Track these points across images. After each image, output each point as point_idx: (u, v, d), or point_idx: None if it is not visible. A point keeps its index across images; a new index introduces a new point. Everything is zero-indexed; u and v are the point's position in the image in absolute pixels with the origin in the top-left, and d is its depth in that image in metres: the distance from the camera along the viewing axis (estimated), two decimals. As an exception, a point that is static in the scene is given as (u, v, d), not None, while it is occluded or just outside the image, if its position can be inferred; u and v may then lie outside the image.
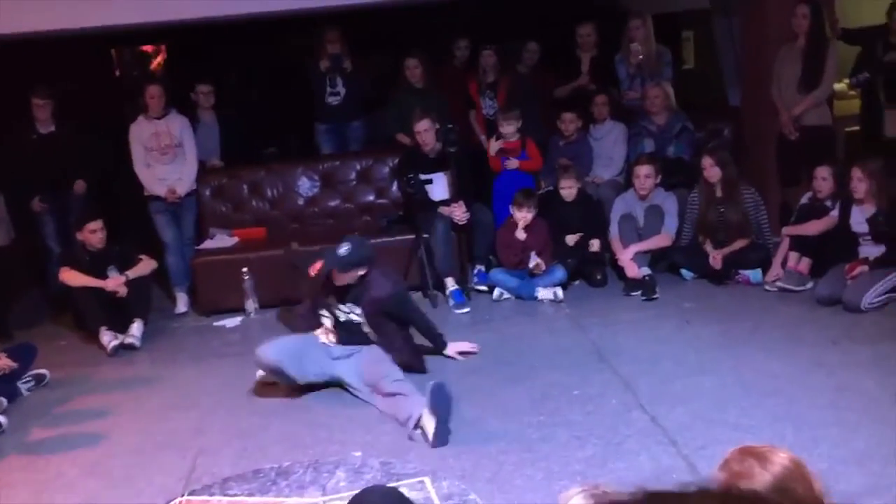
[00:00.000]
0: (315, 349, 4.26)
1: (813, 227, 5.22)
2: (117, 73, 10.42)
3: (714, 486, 1.49)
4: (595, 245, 5.77)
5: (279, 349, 4.15)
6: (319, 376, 4.22)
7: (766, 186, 6.17)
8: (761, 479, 1.64)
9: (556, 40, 7.07)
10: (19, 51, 6.40)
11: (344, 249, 4.17)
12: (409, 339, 4.44)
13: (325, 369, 4.22)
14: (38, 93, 5.93)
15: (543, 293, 5.49)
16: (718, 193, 5.51)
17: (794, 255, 5.24)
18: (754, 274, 5.40)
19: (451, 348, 4.57)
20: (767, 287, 5.28)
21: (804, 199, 5.44)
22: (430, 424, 3.59)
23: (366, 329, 4.30)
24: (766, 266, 5.40)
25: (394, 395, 3.89)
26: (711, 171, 5.49)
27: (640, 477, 3.18)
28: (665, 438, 3.48)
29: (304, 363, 4.16)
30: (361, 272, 4.25)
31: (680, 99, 6.59)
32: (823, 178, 5.25)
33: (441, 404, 3.62)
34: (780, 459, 1.68)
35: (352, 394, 4.18)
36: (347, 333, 4.33)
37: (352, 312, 4.32)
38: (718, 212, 5.51)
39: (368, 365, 4.11)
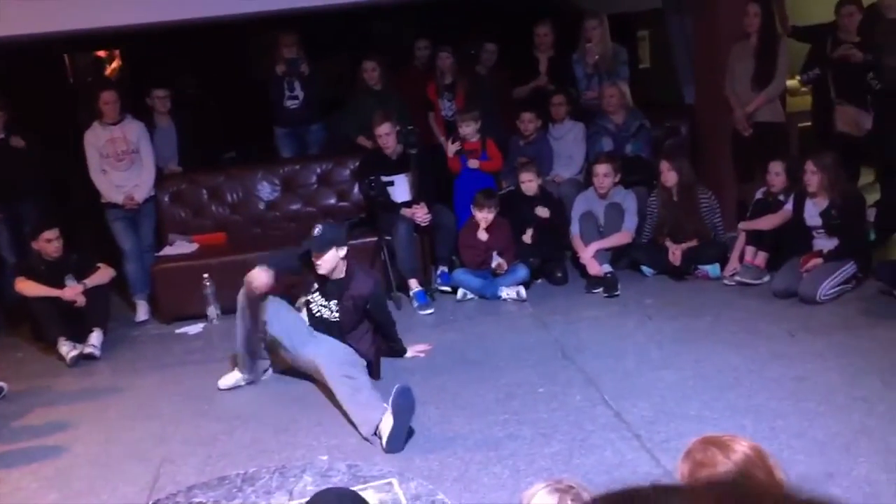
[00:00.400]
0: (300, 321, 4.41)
1: (767, 222, 5.32)
2: (71, 79, 10.23)
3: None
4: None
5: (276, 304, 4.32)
6: (297, 344, 4.27)
7: (722, 183, 6.28)
8: (724, 467, 1.67)
9: (514, 40, 7.12)
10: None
11: (317, 230, 4.26)
12: (376, 342, 4.45)
13: (304, 339, 4.28)
14: None
15: (507, 292, 5.52)
16: (675, 197, 5.60)
17: (750, 250, 5.34)
18: (713, 269, 5.49)
19: (411, 350, 4.70)
20: (726, 281, 5.37)
21: (758, 194, 5.54)
22: (386, 428, 3.59)
23: (337, 325, 4.34)
24: (723, 261, 5.49)
25: (351, 395, 3.88)
26: (668, 175, 5.57)
27: (605, 471, 3.23)
28: (629, 433, 3.53)
29: (291, 328, 4.31)
30: (340, 253, 4.30)
31: (637, 97, 6.67)
32: (776, 173, 5.35)
33: (403, 409, 3.61)
34: (742, 447, 1.72)
35: (312, 380, 4.26)
36: (321, 328, 4.37)
37: (327, 307, 4.35)
38: (675, 214, 5.59)
39: (337, 354, 4.15)
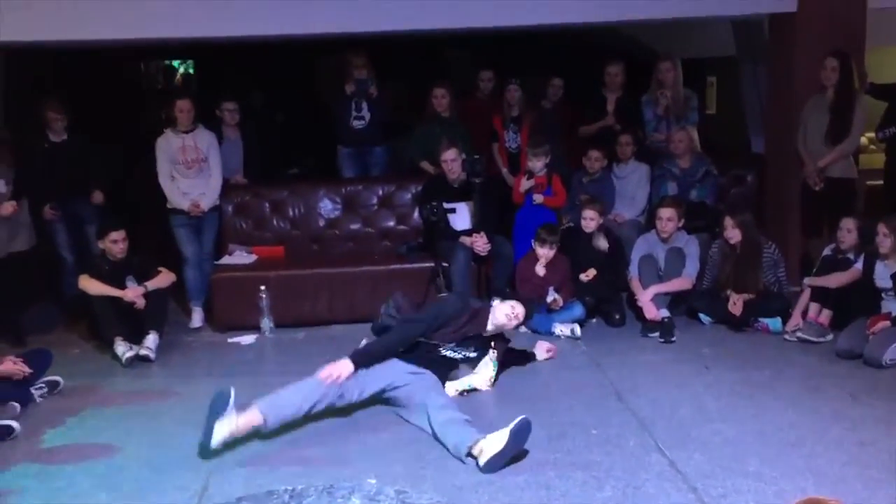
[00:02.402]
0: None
1: (836, 280, 5.20)
2: (142, 85, 10.51)
3: None
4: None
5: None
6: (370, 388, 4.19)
7: (788, 236, 6.18)
8: None
9: (580, 77, 7.13)
10: (39, 56, 6.46)
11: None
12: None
13: (393, 379, 4.22)
14: (52, 105, 5.97)
15: (561, 329, 5.47)
16: (738, 251, 5.51)
17: (814, 307, 5.22)
18: (773, 322, 5.38)
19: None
20: (787, 336, 5.25)
21: (827, 251, 5.43)
22: (491, 450, 3.58)
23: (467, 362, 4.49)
24: (785, 315, 5.38)
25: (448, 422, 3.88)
26: (732, 231, 5.50)
27: (660, 522, 3.15)
28: (685, 485, 3.44)
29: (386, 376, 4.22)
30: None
31: (703, 143, 6.62)
32: (848, 230, 5.24)
33: (519, 438, 3.64)
34: None
35: (397, 414, 4.19)
36: (436, 366, 4.35)
37: (465, 352, 4.46)
38: (737, 267, 5.51)
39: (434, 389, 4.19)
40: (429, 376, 4.27)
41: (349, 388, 4.10)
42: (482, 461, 3.59)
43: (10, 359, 4.50)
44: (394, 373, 4.23)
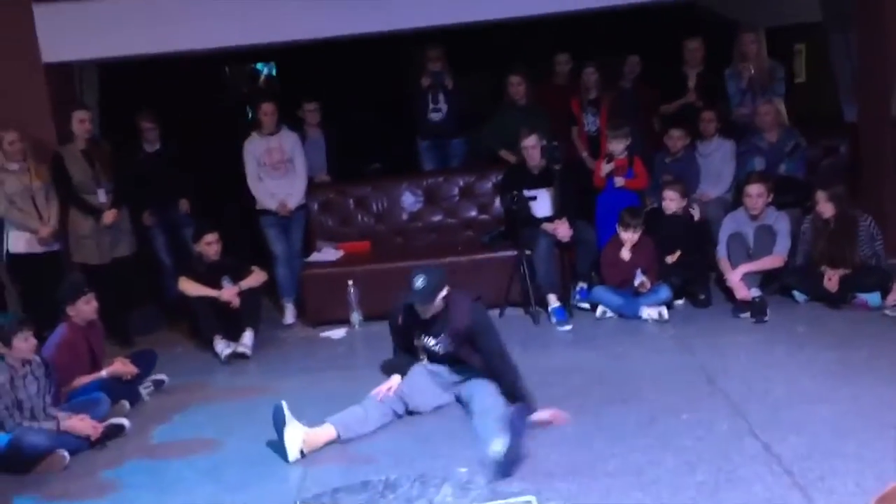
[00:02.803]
0: (425, 380, 4.29)
1: (938, 250, 4.98)
2: (227, 89, 10.85)
3: None
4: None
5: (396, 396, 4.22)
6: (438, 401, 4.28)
7: (884, 206, 5.93)
8: None
9: (658, 54, 6.99)
10: (129, 66, 6.76)
11: (419, 282, 4.06)
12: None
13: (441, 398, 4.28)
14: (145, 117, 6.25)
15: (648, 312, 5.42)
16: (831, 226, 5.33)
17: (918, 279, 5.01)
18: (873, 298, 5.18)
19: (537, 415, 3.93)
20: (887, 311, 5.05)
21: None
22: (498, 449, 3.51)
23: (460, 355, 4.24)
24: (885, 290, 5.17)
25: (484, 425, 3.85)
26: (825, 206, 5.32)
27: (755, 507, 3.10)
28: (779, 468, 3.37)
29: (423, 396, 4.26)
30: (443, 294, 4.13)
31: (792, 113, 6.41)
32: (952, 197, 5.00)
33: (516, 430, 3.55)
34: None
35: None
36: (448, 363, 4.30)
37: (439, 344, 4.25)
38: (831, 243, 5.34)
39: (479, 394, 4.11)
40: (474, 382, 4.21)
41: (410, 399, 4.21)
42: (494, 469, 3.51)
43: (119, 359, 4.77)
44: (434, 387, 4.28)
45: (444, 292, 4.14)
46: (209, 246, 5.59)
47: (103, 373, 4.64)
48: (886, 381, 4.12)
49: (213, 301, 5.50)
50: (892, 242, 5.74)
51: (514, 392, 4.00)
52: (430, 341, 4.28)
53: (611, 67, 7.00)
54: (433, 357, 4.32)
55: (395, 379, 4.29)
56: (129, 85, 7.28)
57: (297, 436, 3.88)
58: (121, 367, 4.70)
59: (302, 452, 3.88)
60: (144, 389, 4.87)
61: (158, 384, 4.98)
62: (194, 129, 7.88)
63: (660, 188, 6.01)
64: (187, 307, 5.62)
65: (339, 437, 4.01)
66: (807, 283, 5.41)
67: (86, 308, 4.65)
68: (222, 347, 5.37)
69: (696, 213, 5.78)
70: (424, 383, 4.29)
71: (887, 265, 5.39)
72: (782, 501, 3.14)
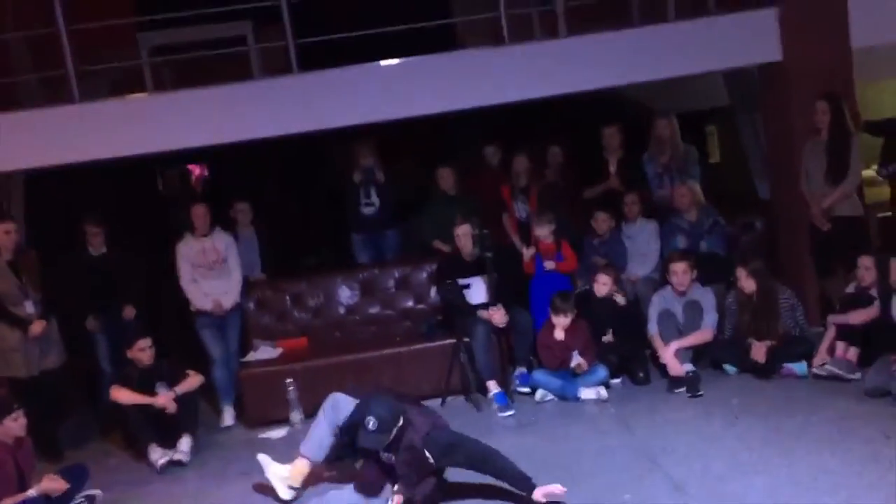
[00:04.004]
0: None
1: (857, 317, 5.21)
2: (161, 190, 10.80)
3: None
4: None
5: None
6: None
7: (804, 277, 6.21)
8: None
9: (583, 141, 7.28)
10: (65, 175, 6.72)
11: (372, 425, 3.90)
12: (435, 487, 4.09)
13: None
14: (91, 220, 6.19)
15: (587, 393, 5.49)
16: (755, 301, 5.56)
17: (841, 345, 5.22)
18: (799, 367, 5.37)
19: (540, 492, 3.90)
20: (815, 370, 5.24)
21: (850, 288, 5.46)
22: None
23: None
24: (810, 359, 5.37)
25: None
26: (746, 282, 5.56)
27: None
28: (724, 543, 3.43)
29: None
30: (401, 423, 3.98)
31: (708, 192, 6.71)
32: (867, 268, 5.27)
33: None
34: None
35: None
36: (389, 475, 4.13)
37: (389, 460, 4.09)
38: (756, 317, 5.55)
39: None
40: None
41: None
42: None
43: (47, 476, 4.57)
44: None
45: (399, 423, 3.97)
46: (142, 352, 5.48)
47: (32, 492, 4.43)
48: (819, 446, 4.26)
49: (147, 408, 5.36)
50: (813, 311, 5.99)
51: (522, 486, 3.93)
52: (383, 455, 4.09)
53: (537, 156, 7.25)
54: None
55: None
56: (58, 192, 7.22)
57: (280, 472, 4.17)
58: (50, 484, 4.49)
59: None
60: (76, 506, 4.68)
61: (91, 499, 4.76)
62: (127, 233, 7.81)
63: (590, 270, 6.18)
64: (121, 416, 5.46)
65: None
66: (736, 356, 5.58)
67: (13, 425, 4.47)
68: (157, 456, 5.21)
69: (620, 300, 5.89)
70: None
71: (810, 334, 5.61)
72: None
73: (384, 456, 4.08)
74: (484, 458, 3.98)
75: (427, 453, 3.94)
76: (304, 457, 4.46)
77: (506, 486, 4.01)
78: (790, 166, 6.21)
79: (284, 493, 4.38)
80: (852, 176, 5.87)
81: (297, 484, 4.41)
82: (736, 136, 7.76)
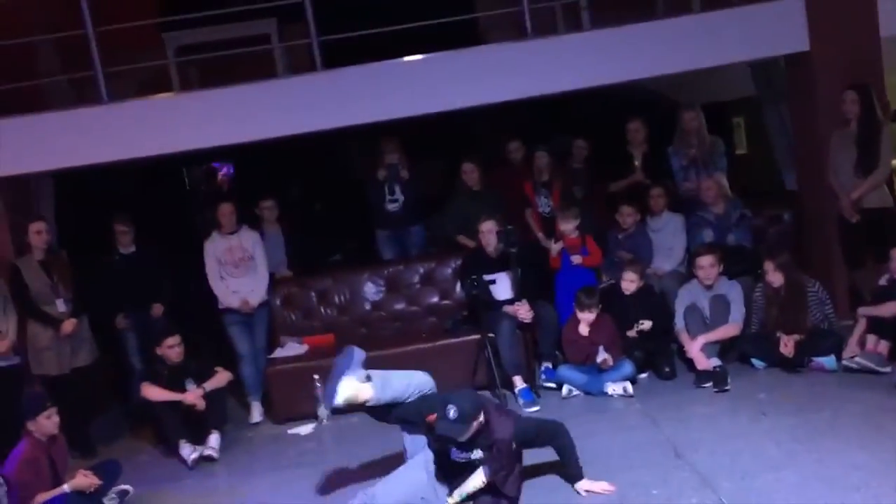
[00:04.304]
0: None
1: (888, 309, 5.14)
2: (188, 190, 10.92)
3: None
4: (645, 325, 5.74)
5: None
6: None
7: (831, 270, 6.14)
8: None
9: (606, 136, 7.24)
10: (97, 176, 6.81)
11: (452, 412, 3.84)
12: (520, 475, 4.09)
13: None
14: (120, 220, 6.27)
15: (613, 388, 5.48)
16: (782, 294, 5.50)
17: (871, 338, 5.16)
18: (828, 360, 5.30)
19: (585, 484, 4.08)
20: (846, 362, 5.18)
21: (882, 281, 5.38)
22: None
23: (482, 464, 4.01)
24: (839, 352, 5.30)
25: None
26: (774, 275, 5.50)
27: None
28: (751, 539, 3.41)
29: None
30: (481, 419, 3.95)
31: (735, 184, 6.65)
32: (899, 260, 5.20)
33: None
34: None
35: None
36: (453, 474, 4.09)
37: (472, 455, 4.03)
38: (784, 310, 5.49)
39: None
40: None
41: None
42: None
43: (81, 472, 4.66)
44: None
45: (481, 417, 3.94)
46: (171, 349, 5.55)
47: (66, 487, 4.51)
48: (848, 442, 4.21)
49: (177, 405, 5.43)
50: (842, 304, 5.92)
51: (575, 472, 4.11)
52: (461, 455, 4.03)
53: (561, 149, 7.23)
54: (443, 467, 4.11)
55: None
56: (87, 192, 7.32)
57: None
58: (83, 480, 4.58)
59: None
60: (109, 501, 4.75)
61: (123, 495, 4.85)
62: (156, 232, 7.90)
63: (615, 264, 6.15)
64: (151, 412, 5.54)
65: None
66: (763, 350, 5.53)
67: (47, 423, 4.56)
68: (188, 452, 5.29)
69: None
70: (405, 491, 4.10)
71: (839, 328, 5.55)
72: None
73: (459, 455, 4.02)
74: (555, 434, 4.13)
75: (514, 445, 3.97)
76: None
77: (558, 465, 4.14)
78: (818, 157, 6.14)
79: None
80: (882, 167, 5.78)
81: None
82: (763, 127, 7.68)
